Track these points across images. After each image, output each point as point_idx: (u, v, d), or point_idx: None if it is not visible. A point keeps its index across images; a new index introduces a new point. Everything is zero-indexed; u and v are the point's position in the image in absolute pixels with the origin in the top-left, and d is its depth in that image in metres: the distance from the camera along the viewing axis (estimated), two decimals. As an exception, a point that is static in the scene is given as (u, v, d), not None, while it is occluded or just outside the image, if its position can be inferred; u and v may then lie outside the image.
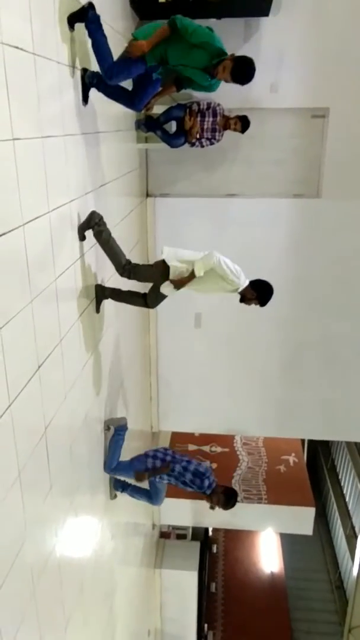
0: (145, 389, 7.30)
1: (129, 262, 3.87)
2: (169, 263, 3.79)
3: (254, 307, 3.99)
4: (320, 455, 13.57)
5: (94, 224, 3.56)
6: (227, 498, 4.39)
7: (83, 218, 3.55)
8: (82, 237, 3.56)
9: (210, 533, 11.75)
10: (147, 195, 6.58)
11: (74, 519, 3.64)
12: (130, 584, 6.52)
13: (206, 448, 9.05)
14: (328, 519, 12.67)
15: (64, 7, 3.05)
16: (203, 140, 5.44)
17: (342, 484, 12.09)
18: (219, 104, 5.37)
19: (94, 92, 3.60)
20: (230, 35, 5.60)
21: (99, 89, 3.59)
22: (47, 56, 2.81)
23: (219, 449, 9.11)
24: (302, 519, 8.28)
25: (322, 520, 12.24)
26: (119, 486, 4.88)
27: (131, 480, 4.79)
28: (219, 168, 6.39)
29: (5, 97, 2.28)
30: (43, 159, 2.79)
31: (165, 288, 3.90)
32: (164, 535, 9.95)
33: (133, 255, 5.34)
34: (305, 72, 5.85)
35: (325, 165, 6.21)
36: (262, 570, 11.46)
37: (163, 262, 3.83)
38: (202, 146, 5.51)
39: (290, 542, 11.69)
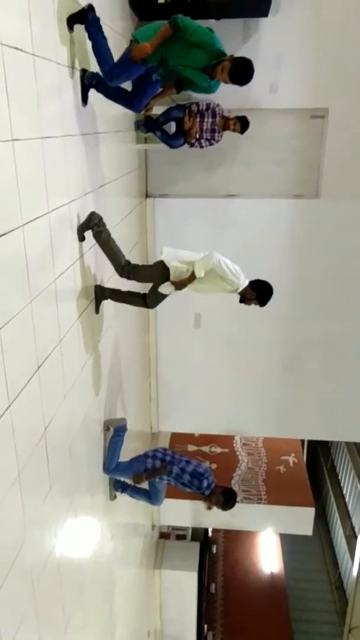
0: (145, 389, 7.30)
1: (128, 262, 3.87)
2: (169, 264, 3.79)
3: (254, 308, 3.99)
4: (320, 456, 13.58)
5: (93, 225, 3.56)
6: (226, 499, 4.39)
7: (82, 219, 3.55)
8: (81, 238, 3.57)
9: (209, 534, 11.74)
10: (147, 195, 6.58)
11: (74, 520, 3.63)
12: (130, 584, 6.52)
13: (206, 448, 9.05)
14: (328, 520, 12.67)
15: (63, 8, 3.05)
16: (202, 140, 5.45)
17: (341, 484, 12.09)
18: (218, 105, 5.38)
19: (93, 93, 3.60)
20: (229, 36, 5.60)
21: (98, 90, 3.59)
22: (47, 57, 2.81)
23: (218, 450, 9.11)
24: (302, 520, 8.28)
25: (321, 520, 12.24)
26: (118, 486, 4.88)
27: (131, 481, 4.79)
28: (219, 168, 6.39)
29: (5, 98, 2.28)
30: (42, 160, 2.79)
31: (165, 288, 3.91)
32: (164, 535, 9.95)
33: (132, 255, 5.34)
34: (305, 73, 5.86)
35: (325, 166, 6.22)
36: (262, 571, 11.45)
37: (162, 262, 3.83)
38: (202, 147, 5.51)
39: (290, 543, 11.69)
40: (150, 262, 4.09)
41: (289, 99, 5.99)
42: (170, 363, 7.46)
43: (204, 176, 6.44)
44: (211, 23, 5.39)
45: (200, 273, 3.69)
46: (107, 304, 4.31)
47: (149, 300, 4.11)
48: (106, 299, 4.15)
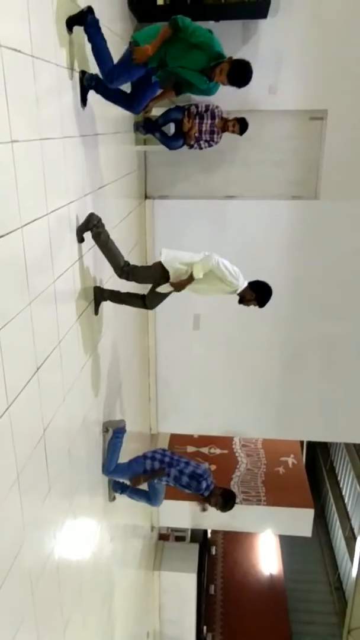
0: (144, 390, 7.30)
1: (127, 263, 3.87)
2: (167, 266, 3.79)
3: (253, 308, 3.99)
4: (319, 457, 13.56)
5: (92, 226, 3.56)
6: (225, 500, 4.39)
7: (82, 220, 3.55)
8: (80, 239, 3.57)
9: (209, 535, 11.73)
10: (146, 197, 6.58)
11: (73, 521, 3.63)
12: (129, 586, 6.51)
13: (205, 450, 9.05)
14: (327, 521, 12.65)
15: (62, 10, 3.05)
16: (201, 142, 5.45)
17: (341, 485, 12.08)
18: (217, 106, 5.38)
19: (92, 95, 3.60)
20: (229, 37, 5.59)
21: (98, 91, 3.59)
22: (46, 58, 2.82)
23: (217, 451, 9.11)
24: (301, 521, 8.28)
25: (321, 521, 12.22)
26: (118, 488, 4.88)
27: (130, 482, 4.80)
28: (218, 170, 6.40)
29: (4, 99, 2.28)
30: (41, 161, 2.80)
31: (163, 288, 3.90)
32: (163, 537, 9.93)
33: (132, 257, 5.34)
34: (304, 74, 5.86)
35: (324, 167, 6.22)
36: (261, 572, 11.44)
37: (161, 263, 3.83)
38: (201, 148, 5.51)
39: (289, 544, 11.67)
40: (150, 263, 4.08)
41: (288, 101, 6.00)
42: (169, 364, 7.46)
43: (203, 177, 6.45)
44: (210, 25, 5.40)
45: (198, 274, 3.69)
46: (106, 305, 4.31)
47: (148, 301, 4.11)
48: (105, 300, 4.15)
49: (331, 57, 5.78)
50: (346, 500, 11.60)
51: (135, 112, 4.02)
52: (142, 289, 4.17)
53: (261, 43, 5.77)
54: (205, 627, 10.10)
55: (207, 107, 5.34)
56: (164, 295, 4.04)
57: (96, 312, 4.09)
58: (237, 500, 4.64)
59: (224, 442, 9.25)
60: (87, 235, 3.62)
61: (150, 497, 4.95)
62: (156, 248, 6.35)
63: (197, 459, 8.03)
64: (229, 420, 7.69)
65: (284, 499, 8.24)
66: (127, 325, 5.63)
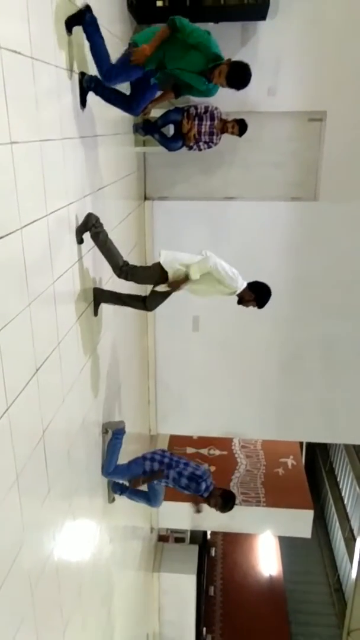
0: (144, 391, 7.30)
1: (126, 263, 3.87)
2: (166, 267, 3.79)
3: (252, 309, 3.99)
4: (318, 458, 13.55)
5: (90, 226, 3.57)
6: (224, 501, 4.38)
7: (81, 221, 3.55)
8: (80, 240, 3.57)
9: (208, 536, 11.72)
10: (145, 198, 6.59)
11: (72, 523, 3.63)
12: (129, 587, 6.51)
13: (204, 451, 9.04)
14: (326, 522, 12.64)
15: (61, 11, 3.06)
16: (201, 143, 5.45)
17: (340, 486, 12.07)
18: (216, 108, 5.39)
19: (91, 96, 3.61)
20: (228, 39, 5.62)
21: (97, 93, 3.59)
22: (45, 60, 2.82)
23: (217, 452, 9.10)
24: (301, 522, 8.27)
25: (320, 523, 12.22)
26: (117, 489, 4.88)
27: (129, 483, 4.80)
28: (217, 171, 6.40)
29: (3, 101, 2.28)
30: (41, 163, 2.80)
31: (161, 287, 3.90)
32: (162, 538, 9.92)
33: (131, 258, 5.34)
34: (303, 76, 5.88)
35: (323, 169, 6.24)
36: (261, 574, 11.43)
37: (160, 264, 3.83)
38: (200, 149, 5.52)
39: (288, 545, 11.67)
40: (149, 264, 4.08)
41: (287, 102, 6.01)
42: (168, 365, 7.46)
43: (203, 179, 6.46)
44: (210, 26, 5.43)
45: (195, 275, 3.69)
46: (106, 307, 4.32)
47: (149, 302, 4.10)
48: (105, 301, 4.15)
49: (330, 59, 5.80)
50: (346, 502, 11.59)
51: (135, 114, 4.02)
52: (141, 290, 4.17)
53: (260, 45, 5.78)
54: (204, 629, 10.09)
55: (206, 108, 5.34)
56: (164, 297, 4.04)
57: (95, 313, 4.09)
58: (237, 501, 4.64)
59: (224, 443, 9.24)
60: (87, 237, 3.62)
61: (149, 498, 4.95)
62: (155, 249, 6.36)
63: (197, 460, 8.05)
64: (229, 422, 7.69)
65: (283, 500, 8.24)
66: (126, 327, 5.63)
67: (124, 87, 3.72)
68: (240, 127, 5.42)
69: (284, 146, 6.26)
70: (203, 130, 5.38)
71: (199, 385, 7.46)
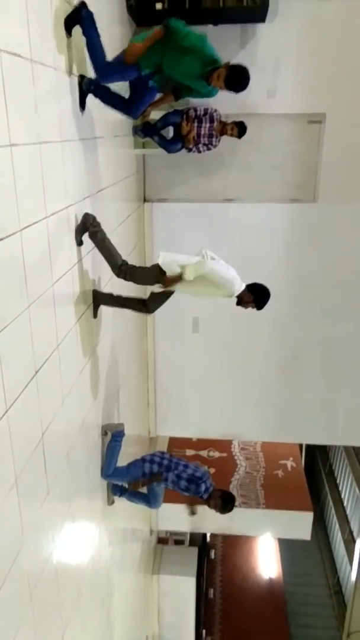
0: (143, 393, 7.29)
1: (125, 262, 3.86)
2: (165, 268, 3.79)
3: (252, 311, 3.99)
4: (318, 460, 13.55)
5: (88, 225, 3.57)
6: (224, 502, 4.38)
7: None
8: (79, 242, 3.57)
9: (208, 539, 11.71)
10: (145, 200, 6.60)
11: (71, 525, 3.63)
12: (128, 589, 6.50)
13: (204, 453, 9.04)
14: (326, 524, 12.63)
15: (61, 14, 3.06)
16: (200, 145, 5.46)
17: (340, 488, 12.06)
18: (215, 110, 5.39)
19: (91, 98, 3.61)
20: (227, 41, 5.64)
21: (96, 96, 3.60)
22: (45, 62, 2.83)
23: (216, 454, 9.10)
24: (300, 524, 8.27)
25: (320, 525, 12.21)
26: (117, 490, 4.88)
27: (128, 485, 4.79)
28: (216, 173, 6.41)
29: (3, 103, 2.29)
30: (40, 165, 2.80)
31: (157, 288, 3.89)
32: (162, 540, 9.91)
33: (130, 260, 5.29)
34: (302, 78, 5.89)
35: (322, 171, 6.24)
36: (260, 576, 11.42)
37: (159, 265, 3.83)
38: (199, 151, 5.52)
39: (288, 548, 11.65)
40: (148, 266, 4.07)
41: (286, 104, 6.02)
42: (168, 367, 7.46)
43: (202, 181, 6.46)
44: (209, 28, 5.44)
45: (189, 277, 3.68)
46: (105, 308, 4.31)
47: (149, 304, 4.09)
48: (104, 303, 4.15)
49: (329, 61, 5.81)
50: (345, 504, 11.59)
51: (134, 117, 4.03)
52: (141, 292, 4.17)
53: (259, 47, 5.79)
54: (204, 631, 10.07)
55: (205, 110, 5.35)
56: (164, 299, 4.03)
57: (95, 315, 4.09)
58: (236, 503, 4.63)
59: (223, 445, 9.24)
60: (86, 239, 3.62)
61: (149, 500, 4.94)
62: (155, 251, 6.36)
63: (196, 462, 8.05)
64: (228, 423, 7.69)
65: (283, 502, 8.23)
66: (126, 328, 5.63)
67: (124, 90, 3.73)
68: (240, 129, 5.43)
69: (283, 148, 6.27)
70: (202, 132, 5.38)
71: (198, 387, 7.46)
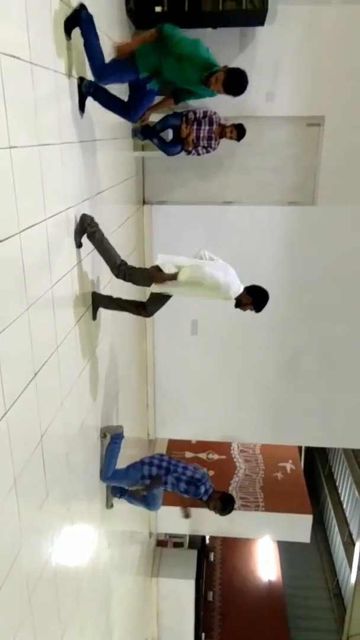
0: (142, 396, 7.29)
1: (124, 263, 3.85)
2: (164, 268, 3.79)
3: (251, 313, 3.99)
4: (317, 462, 13.54)
5: (86, 226, 3.57)
6: (223, 504, 4.38)
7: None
8: (79, 244, 3.57)
9: (207, 541, 11.69)
10: (144, 202, 6.60)
11: (70, 527, 3.62)
12: (127, 592, 6.48)
13: (203, 455, 9.03)
14: (325, 526, 12.62)
15: (60, 16, 3.07)
16: (199, 148, 5.47)
17: (339, 491, 12.06)
18: (215, 112, 5.40)
19: (90, 101, 3.62)
20: (226, 44, 5.65)
21: (95, 98, 3.61)
22: (44, 65, 2.83)
23: (216, 456, 9.09)
24: (300, 527, 8.26)
25: (319, 527, 12.19)
26: (116, 492, 4.87)
27: (128, 487, 4.79)
28: (215, 176, 6.42)
29: (3, 106, 2.29)
30: (40, 167, 2.80)
31: (154, 288, 3.89)
32: (161, 543, 9.90)
33: (130, 262, 5.32)
34: (301, 81, 5.90)
35: (321, 173, 6.25)
36: (260, 579, 11.40)
37: (158, 267, 3.83)
38: (199, 154, 5.53)
39: (287, 550, 11.63)
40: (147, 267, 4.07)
41: (285, 107, 6.03)
42: (167, 369, 7.46)
43: (201, 183, 6.47)
44: (208, 32, 5.46)
45: (183, 277, 3.68)
46: (105, 310, 4.31)
47: (148, 307, 4.09)
48: (103, 306, 4.14)
49: (328, 64, 5.82)
50: (345, 506, 11.58)
51: (132, 121, 4.03)
52: (140, 295, 4.17)
53: (259, 50, 5.81)
54: (203, 634, 10.05)
55: (205, 113, 5.36)
56: (162, 302, 4.03)
57: (94, 317, 4.09)
58: (236, 506, 4.63)
59: (222, 447, 9.23)
60: (85, 241, 3.62)
61: (148, 502, 4.94)
62: (154, 253, 6.36)
63: (195, 464, 8.03)
64: (227, 426, 7.68)
65: (282, 505, 8.23)
66: (125, 331, 5.63)
67: (123, 93, 3.74)
68: (239, 131, 5.43)
69: (282, 151, 6.28)
70: (202, 134, 5.39)
71: (197, 389, 7.46)
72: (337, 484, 12.31)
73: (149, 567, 8.91)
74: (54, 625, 3.33)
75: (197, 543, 10.60)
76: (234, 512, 4.50)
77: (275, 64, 5.84)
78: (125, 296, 4.26)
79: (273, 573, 11.51)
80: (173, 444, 8.88)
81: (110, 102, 3.69)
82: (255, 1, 5.17)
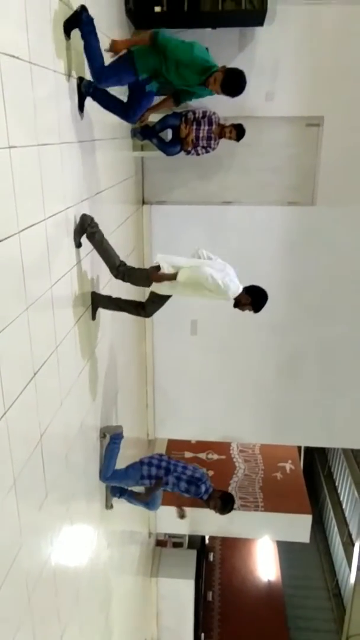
0: (142, 396, 7.29)
1: (123, 263, 3.86)
2: (163, 268, 3.79)
3: (250, 314, 3.99)
4: (316, 462, 13.54)
5: (86, 226, 3.57)
6: (224, 503, 4.39)
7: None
8: (78, 244, 3.57)
9: (206, 541, 11.69)
10: (143, 202, 6.61)
11: (70, 527, 3.62)
12: (127, 592, 6.48)
13: (202, 455, 9.03)
14: (325, 526, 12.62)
15: (60, 16, 3.07)
16: (199, 148, 5.47)
17: (338, 491, 12.06)
18: (214, 113, 5.41)
19: (90, 101, 3.62)
20: (226, 44, 5.65)
21: (95, 99, 3.61)
22: (44, 65, 2.83)
23: (215, 456, 9.09)
24: (299, 527, 8.26)
25: (319, 527, 12.19)
26: (116, 491, 4.87)
27: (127, 487, 4.79)
28: (215, 176, 6.42)
29: (2, 105, 2.29)
30: (39, 167, 2.80)
31: (155, 287, 3.89)
32: (160, 543, 9.90)
33: (129, 262, 5.32)
34: (300, 81, 5.91)
35: (320, 173, 6.26)
36: (259, 579, 11.40)
37: (157, 267, 3.83)
38: (198, 154, 5.54)
39: (287, 550, 11.63)
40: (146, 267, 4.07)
41: (284, 107, 6.03)
42: (166, 369, 7.46)
43: (201, 183, 6.47)
44: (207, 32, 5.46)
45: (181, 278, 3.68)
46: (104, 310, 4.31)
47: (147, 308, 4.09)
48: (103, 306, 4.14)
49: (327, 64, 5.83)
50: (344, 506, 11.58)
51: (131, 122, 4.03)
52: (140, 296, 4.17)
53: (258, 50, 5.81)
54: (202, 634, 10.05)
55: (204, 113, 5.36)
56: (161, 303, 4.03)
57: (93, 317, 4.09)
58: (235, 505, 4.64)
59: (222, 447, 9.23)
60: (85, 241, 3.62)
61: (148, 502, 4.94)
62: (153, 253, 6.37)
63: (194, 464, 8.03)
64: (227, 426, 7.68)
65: (281, 505, 8.22)
66: (124, 331, 5.63)
67: (123, 94, 3.74)
68: (238, 132, 5.44)
69: (282, 151, 6.28)
70: (201, 135, 5.39)
71: (197, 390, 7.46)
72: (336, 484, 12.31)
73: (149, 567, 8.91)
74: (54, 625, 3.33)
75: (197, 543, 10.60)
76: (233, 512, 4.50)
77: (274, 64, 5.84)
78: (124, 296, 4.26)
79: (272, 573, 11.51)
80: (172, 444, 8.88)
81: (109, 103, 3.69)
82: (254, 1, 5.17)
